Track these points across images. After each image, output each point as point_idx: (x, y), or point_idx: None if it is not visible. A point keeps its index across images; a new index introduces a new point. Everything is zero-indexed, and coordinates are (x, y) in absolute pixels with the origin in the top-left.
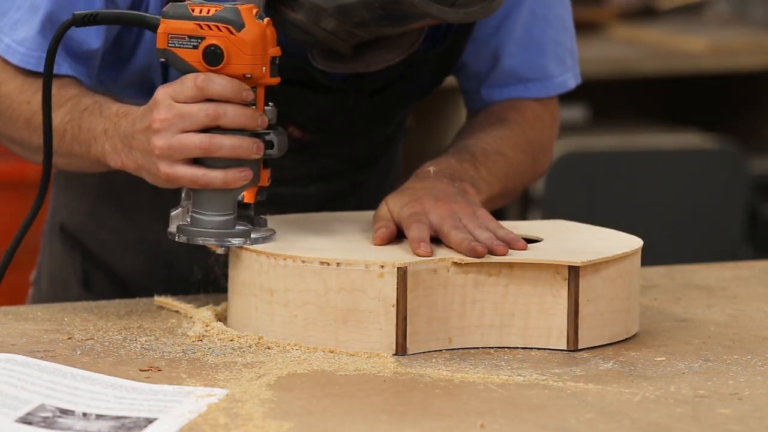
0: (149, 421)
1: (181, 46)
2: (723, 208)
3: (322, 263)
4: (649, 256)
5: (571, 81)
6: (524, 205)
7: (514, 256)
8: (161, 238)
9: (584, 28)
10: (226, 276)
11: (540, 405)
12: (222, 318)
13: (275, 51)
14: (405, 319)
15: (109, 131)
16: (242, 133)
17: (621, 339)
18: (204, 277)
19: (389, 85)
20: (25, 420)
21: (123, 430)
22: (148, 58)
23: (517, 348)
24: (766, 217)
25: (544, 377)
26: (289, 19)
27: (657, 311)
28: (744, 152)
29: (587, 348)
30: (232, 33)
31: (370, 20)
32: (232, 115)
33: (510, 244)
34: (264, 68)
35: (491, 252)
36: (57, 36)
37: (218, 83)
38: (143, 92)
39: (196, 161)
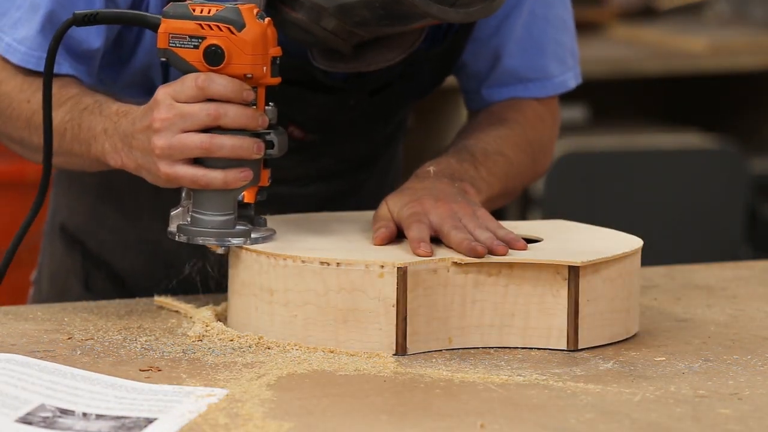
0: (149, 421)
1: (182, 45)
2: (723, 208)
3: (322, 263)
4: (649, 256)
5: (572, 81)
6: (524, 205)
7: (514, 256)
8: (161, 238)
9: (584, 28)
10: (221, 277)
11: (540, 405)
12: (222, 318)
13: (276, 51)
14: (405, 319)
15: (109, 130)
16: (243, 133)
17: (621, 339)
18: (201, 278)
19: (390, 84)
20: (25, 420)
21: (123, 430)
22: (149, 58)
23: (517, 348)
24: (766, 217)
25: (544, 377)
26: (289, 19)
27: (657, 311)
28: (744, 152)
29: (587, 348)
30: (232, 33)
31: (371, 20)
32: (232, 115)
33: (510, 244)
34: (265, 68)
35: (491, 252)
36: (57, 35)
37: (219, 83)
38: (144, 92)
39: (197, 161)
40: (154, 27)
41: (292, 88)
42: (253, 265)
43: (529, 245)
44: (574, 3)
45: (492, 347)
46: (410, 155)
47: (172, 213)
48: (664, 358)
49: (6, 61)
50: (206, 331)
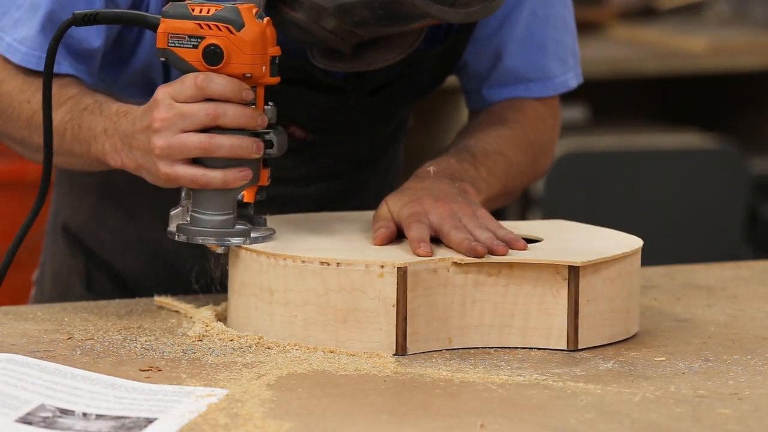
0: (149, 421)
1: (181, 45)
2: (723, 208)
3: (322, 263)
4: (649, 256)
5: (573, 81)
6: (524, 205)
7: (514, 256)
8: (161, 238)
9: (584, 28)
10: (222, 278)
11: (540, 405)
12: (222, 318)
13: (275, 50)
14: (405, 319)
15: (109, 130)
16: (242, 133)
17: (621, 339)
18: (202, 278)
19: (389, 84)
20: (25, 420)
21: (123, 430)
22: (149, 58)
23: (517, 348)
24: (766, 217)
25: (544, 377)
26: (289, 19)
27: (657, 311)
28: (744, 152)
29: (587, 348)
30: (232, 32)
31: (371, 20)
32: (231, 114)
33: (510, 244)
34: (264, 68)
35: (491, 252)
36: (57, 35)
37: (218, 83)
38: (144, 91)
39: (196, 161)
40: (154, 27)
41: (292, 88)
42: (253, 265)
43: (529, 245)
44: (574, 3)
45: (492, 347)
46: (410, 155)
47: (171, 213)
48: (664, 358)
49: (7, 61)
50: (206, 331)
